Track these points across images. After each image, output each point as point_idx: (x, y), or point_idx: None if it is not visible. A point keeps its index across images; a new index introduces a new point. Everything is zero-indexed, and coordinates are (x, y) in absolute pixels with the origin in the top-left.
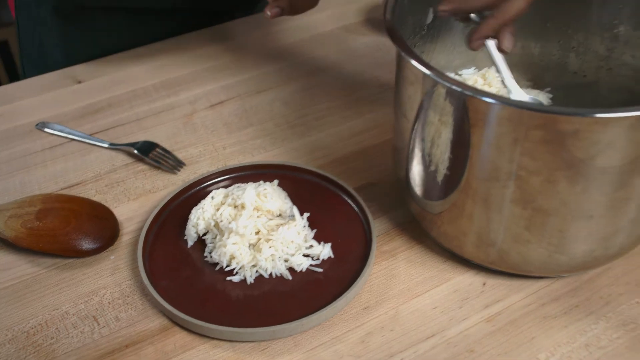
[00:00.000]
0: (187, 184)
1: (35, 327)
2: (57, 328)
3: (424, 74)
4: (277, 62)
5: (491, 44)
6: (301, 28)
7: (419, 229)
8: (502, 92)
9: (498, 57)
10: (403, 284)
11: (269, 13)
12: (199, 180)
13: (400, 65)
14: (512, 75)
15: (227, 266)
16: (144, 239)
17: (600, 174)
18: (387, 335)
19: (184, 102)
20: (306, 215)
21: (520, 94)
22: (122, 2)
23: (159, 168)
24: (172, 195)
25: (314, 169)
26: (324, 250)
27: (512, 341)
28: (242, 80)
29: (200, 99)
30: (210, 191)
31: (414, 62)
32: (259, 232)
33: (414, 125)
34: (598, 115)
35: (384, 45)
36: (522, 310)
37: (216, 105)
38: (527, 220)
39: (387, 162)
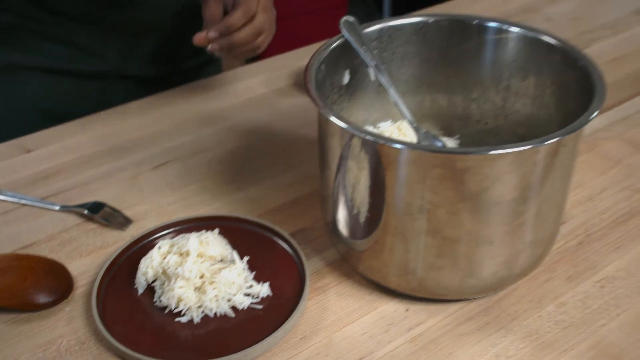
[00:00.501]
0: (135, 238)
1: None
2: None
3: (341, 127)
4: (213, 125)
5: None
6: (235, 92)
7: (347, 266)
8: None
9: (384, 80)
10: (335, 315)
11: (209, 48)
12: (146, 234)
13: (321, 121)
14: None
15: (175, 308)
16: (97, 289)
17: (494, 204)
18: None
19: (128, 165)
20: (246, 258)
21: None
22: (55, 63)
23: (108, 226)
24: (121, 249)
25: (251, 218)
26: (263, 289)
27: (433, 358)
28: (182, 143)
29: (144, 162)
30: (157, 243)
31: (332, 118)
32: (204, 276)
33: (336, 174)
34: (483, 153)
35: (310, 105)
36: (441, 330)
37: (159, 167)
38: (438, 249)
39: (317, 209)
